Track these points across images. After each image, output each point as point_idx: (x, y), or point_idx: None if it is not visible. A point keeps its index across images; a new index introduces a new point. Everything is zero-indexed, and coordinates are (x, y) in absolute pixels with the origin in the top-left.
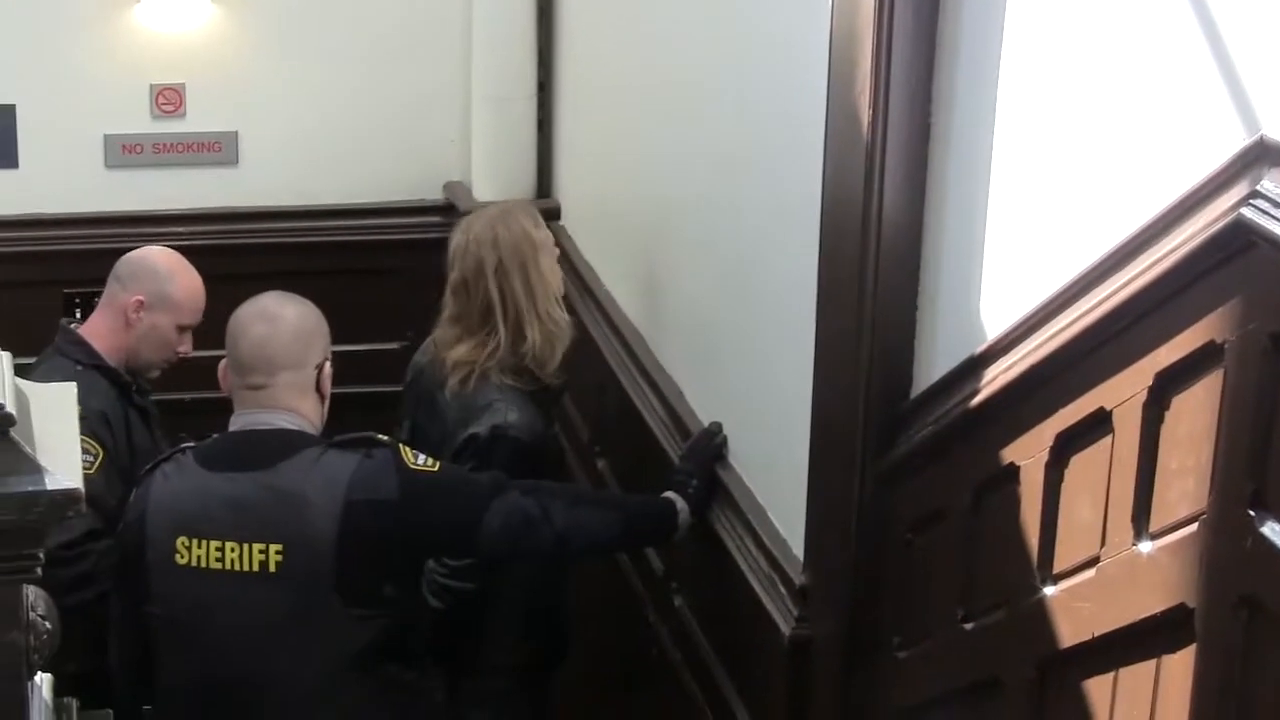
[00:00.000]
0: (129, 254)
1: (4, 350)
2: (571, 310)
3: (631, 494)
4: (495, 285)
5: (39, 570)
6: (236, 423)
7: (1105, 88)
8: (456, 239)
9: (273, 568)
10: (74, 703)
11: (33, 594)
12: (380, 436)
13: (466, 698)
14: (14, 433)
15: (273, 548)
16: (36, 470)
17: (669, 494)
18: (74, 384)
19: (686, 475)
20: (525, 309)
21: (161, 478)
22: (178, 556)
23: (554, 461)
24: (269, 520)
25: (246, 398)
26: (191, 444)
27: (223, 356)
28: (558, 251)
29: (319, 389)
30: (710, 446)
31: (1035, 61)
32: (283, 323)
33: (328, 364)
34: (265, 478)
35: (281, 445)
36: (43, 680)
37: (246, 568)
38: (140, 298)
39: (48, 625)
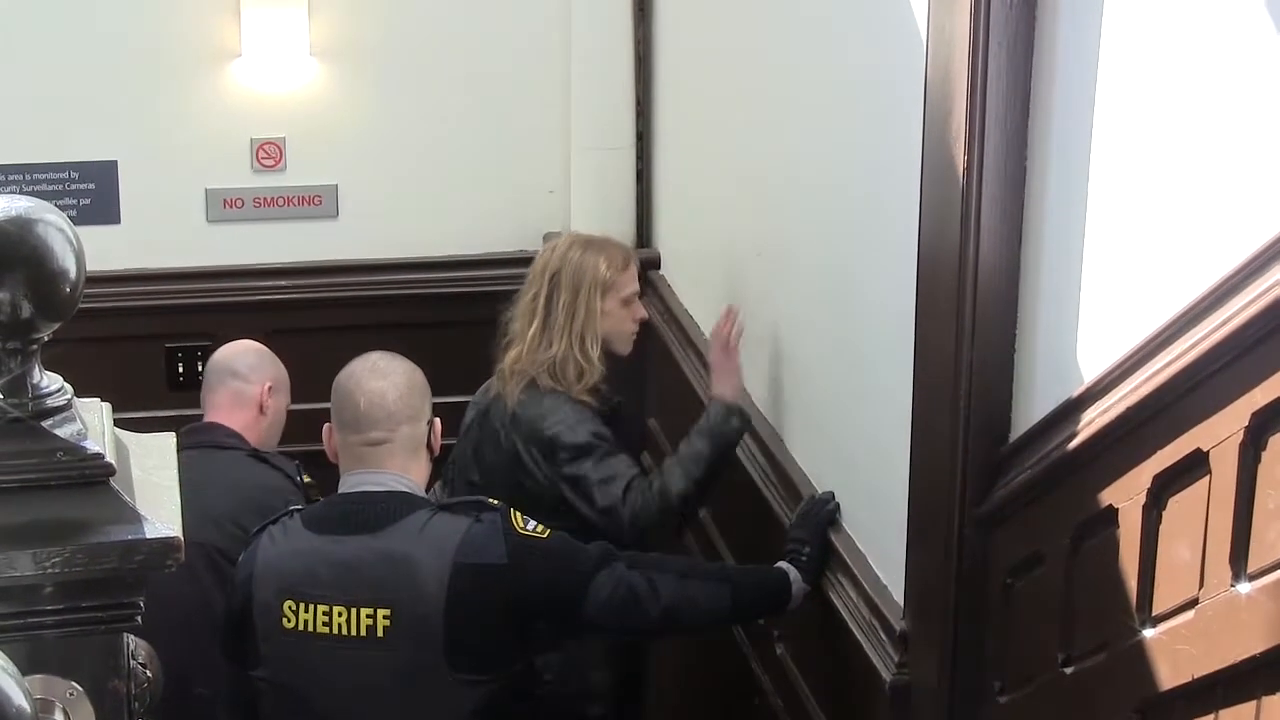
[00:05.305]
0: (227, 351)
1: (105, 402)
2: (671, 360)
3: (744, 566)
4: (546, 290)
5: (139, 619)
6: (347, 483)
7: (1200, 128)
8: (546, 245)
9: (380, 632)
10: None
11: (133, 642)
12: (490, 500)
13: None
14: (113, 482)
15: (380, 612)
16: (136, 519)
17: (782, 564)
18: (174, 434)
19: (799, 544)
20: (560, 325)
21: (268, 540)
22: (284, 620)
23: None
24: (377, 584)
25: (364, 455)
26: (299, 507)
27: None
28: (639, 313)
29: (430, 445)
30: (823, 513)
31: (1130, 102)
32: (398, 376)
33: (437, 421)
34: (373, 541)
35: (390, 508)
36: None
37: (354, 632)
38: (269, 384)
39: (148, 674)
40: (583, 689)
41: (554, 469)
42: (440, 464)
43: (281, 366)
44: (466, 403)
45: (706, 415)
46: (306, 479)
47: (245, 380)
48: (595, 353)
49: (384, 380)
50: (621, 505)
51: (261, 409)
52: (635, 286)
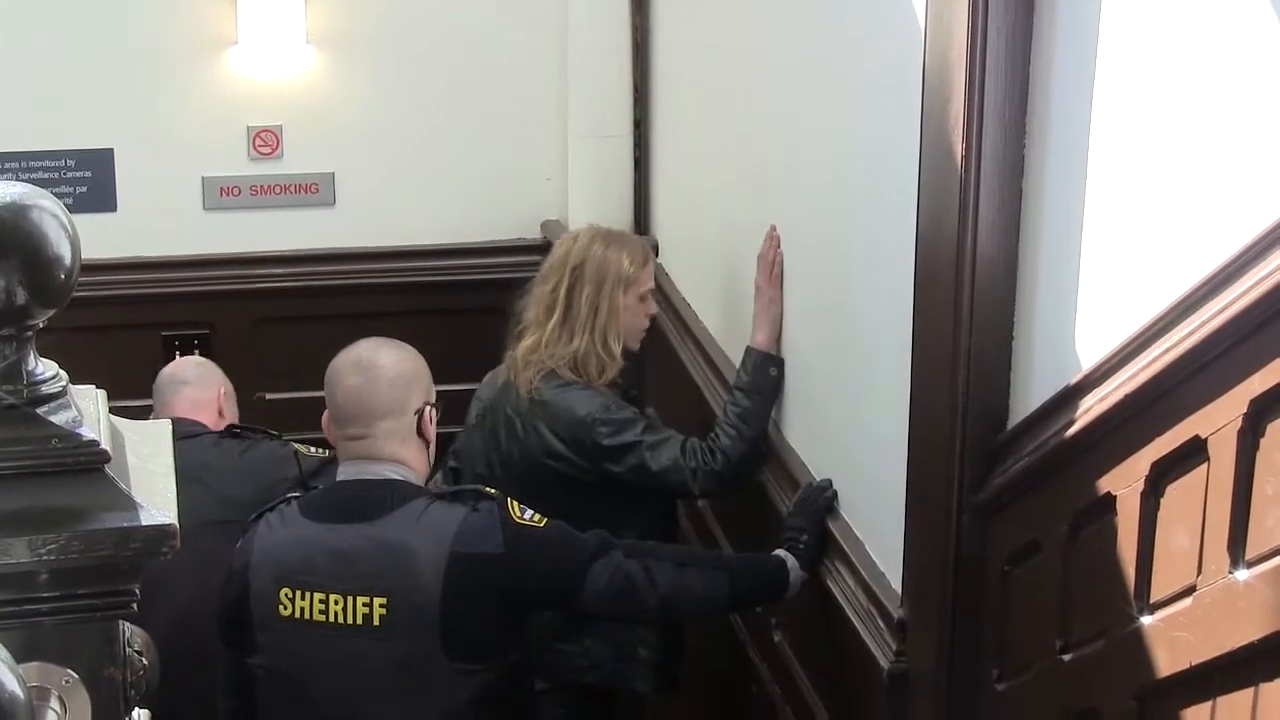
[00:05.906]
0: (172, 367)
1: (101, 390)
2: (669, 348)
3: (741, 554)
4: (567, 282)
5: (134, 606)
6: (344, 471)
7: (1199, 116)
8: (565, 236)
9: (376, 621)
10: None
11: (129, 630)
12: (488, 490)
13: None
14: (108, 469)
15: (377, 601)
16: (131, 506)
17: (779, 552)
18: (168, 421)
19: (797, 531)
20: (583, 318)
21: (266, 528)
22: (281, 608)
23: None
24: (373, 573)
25: (350, 448)
26: (297, 494)
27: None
28: (651, 309)
29: (421, 434)
30: (820, 500)
31: (1129, 90)
32: (378, 371)
33: (429, 408)
34: (370, 530)
35: (387, 497)
36: (140, 717)
37: (350, 621)
38: (222, 389)
39: (144, 661)
40: (633, 667)
41: (594, 446)
42: (439, 457)
43: (227, 379)
44: (463, 390)
45: (744, 368)
46: (323, 451)
47: (198, 387)
48: (617, 348)
49: (363, 376)
50: (682, 459)
51: (220, 412)
52: (652, 283)
